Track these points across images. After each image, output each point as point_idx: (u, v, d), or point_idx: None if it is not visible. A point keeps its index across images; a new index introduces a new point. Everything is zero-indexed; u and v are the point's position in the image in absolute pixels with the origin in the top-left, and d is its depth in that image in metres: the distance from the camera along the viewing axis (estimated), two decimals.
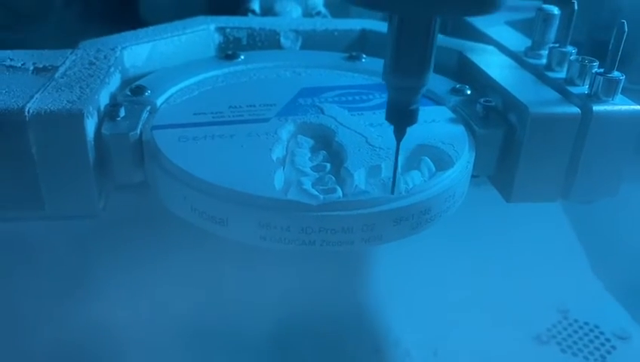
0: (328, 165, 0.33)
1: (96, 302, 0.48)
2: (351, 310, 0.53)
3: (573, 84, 0.38)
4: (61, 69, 0.37)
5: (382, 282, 0.55)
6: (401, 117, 0.29)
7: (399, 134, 0.30)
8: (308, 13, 0.54)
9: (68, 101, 0.32)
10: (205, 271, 0.51)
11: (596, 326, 0.53)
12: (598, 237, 0.59)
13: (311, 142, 0.36)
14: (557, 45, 0.40)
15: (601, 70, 0.36)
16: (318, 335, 0.52)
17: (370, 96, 0.40)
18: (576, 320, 0.54)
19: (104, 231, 0.49)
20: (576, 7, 0.38)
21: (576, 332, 0.53)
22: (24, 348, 0.46)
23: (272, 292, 0.51)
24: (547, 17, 0.41)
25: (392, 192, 0.31)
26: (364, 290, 0.54)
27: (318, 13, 0.54)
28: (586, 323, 0.53)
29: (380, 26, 0.50)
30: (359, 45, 0.49)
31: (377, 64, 0.44)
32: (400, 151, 0.31)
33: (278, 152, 0.34)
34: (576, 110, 0.35)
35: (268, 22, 0.48)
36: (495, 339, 0.51)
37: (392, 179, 0.31)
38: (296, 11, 0.53)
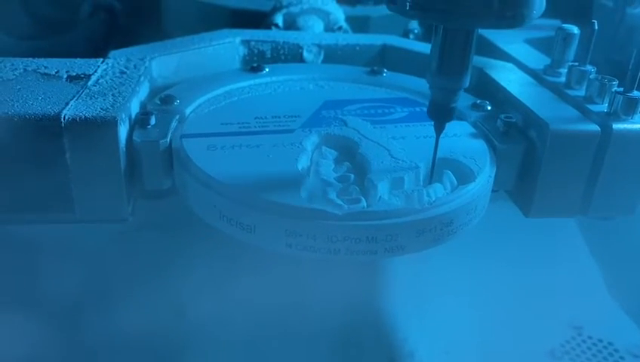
0: (352, 176, 0.34)
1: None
2: (366, 320, 0.54)
3: (593, 103, 0.38)
4: (93, 78, 0.38)
5: (398, 293, 0.56)
6: (441, 114, 0.32)
7: (439, 129, 0.34)
8: (329, 28, 0.55)
9: (102, 108, 0.34)
10: (219, 277, 0.52)
11: (610, 343, 0.53)
12: (613, 255, 0.59)
13: (334, 153, 0.36)
14: (576, 64, 0.41)
15: (621, 89, 0.37)
16: (333, 345, 0.52)
17: (392, 110, 0.41)
18: (590, 337, 0.54)
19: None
20: (596, 27, 0.39)
21: (589, 348, 0.53)
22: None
23: (288, 300, 0.52)
24: (567, 36, 0.42)
25: (430, 182, 0.34)
26: (379, 301, 0.55)
27: (340, 28, 0.55)
28: (600, 340, 0.54)
29: (401, 41, 0.51)
30: (380, 60, 0.50)
31: (398, 79, 0.46)
32: (425, 161, 0.34)
33: (303, 163, 0.35)
34: (595, 128, 0.36)
35: (291, 36, 0.49)
36: (509, 353, 0.51)
37: (415, 189, 0.32)
38: (318, 26, 0.54)
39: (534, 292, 0.55)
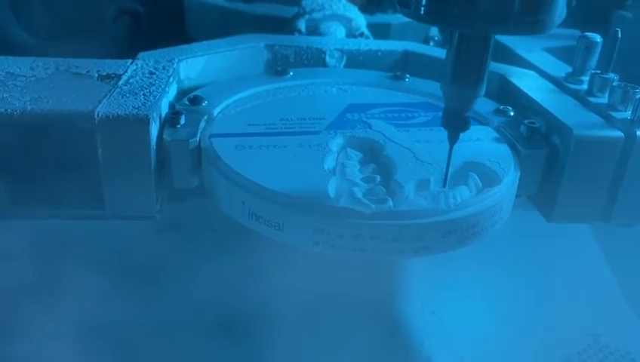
0: (378, 177, 0.34)
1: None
2: (384, 325, 0.54)
3: (615, 110, 0.39)
4: (124, 77, 0.39)
5: (415, 299, 0.56)
6: (455, 123, 0.32)
7: (453, 139, 0.33)
8: (351, 34, 0.56)
9: (133, 107, 0.34)
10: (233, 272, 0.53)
11: (628, 353, 0.53)
12: (630, 263, 0.59)
13: (359, 155, 0.37)
14: (598, 72, 0.41)
15: None
16: (349, 349, 0.52)
17: (415, 114, 0.42)
18: (607, 346, 0.54)
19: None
20: (619, 36, 0.39)
21: (606, 357, 0.53)
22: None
23: (304, 299, 0.52)
24: (589, 45, 0.42)
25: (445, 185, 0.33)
26: (397, 306, 0.55)
27: (361, 34, 0.56)
28: (617, 350, 0.54)
29: (422, 48, 0.52)
30: (401, 66, 0.50)
31: (421, 84, 0.46)
32: (450, 163, 0.34)
33: (329, 163, 0.35)
34: (619, 134, 0.36)
35: (315, 41, 0.50)
36: (526, 360, 0.51)
37: (441, 191, 0.33)
38: (340, 32, 0.55)
39: (551, 300, 0.55)
